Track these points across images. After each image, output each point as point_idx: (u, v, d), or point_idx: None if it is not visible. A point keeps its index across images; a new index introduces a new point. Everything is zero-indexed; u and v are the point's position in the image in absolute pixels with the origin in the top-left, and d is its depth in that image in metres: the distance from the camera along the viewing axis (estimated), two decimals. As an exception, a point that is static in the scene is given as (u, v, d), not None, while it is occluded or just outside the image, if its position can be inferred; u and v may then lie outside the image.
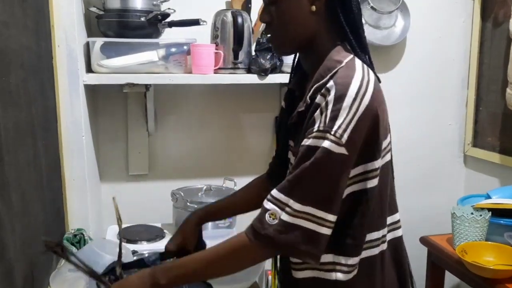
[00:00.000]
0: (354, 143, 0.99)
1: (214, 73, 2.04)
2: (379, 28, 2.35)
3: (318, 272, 1.11)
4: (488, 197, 2.04)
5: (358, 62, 1.07)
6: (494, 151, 2.42)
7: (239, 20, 1.99)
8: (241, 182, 2.13)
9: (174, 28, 1.99)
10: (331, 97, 1.00)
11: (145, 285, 1.06)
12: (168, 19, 1.97)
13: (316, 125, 1.00)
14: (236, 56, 2.04)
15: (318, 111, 1.02)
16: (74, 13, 1.74)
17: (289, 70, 2.00)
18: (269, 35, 1.16)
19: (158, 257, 1.35)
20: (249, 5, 2.21)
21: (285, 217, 0.98)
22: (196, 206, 1.96)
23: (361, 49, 1.11)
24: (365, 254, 1.10)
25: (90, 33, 2.02)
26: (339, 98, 0.99)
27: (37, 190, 1.43)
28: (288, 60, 2.07)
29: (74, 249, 1.70)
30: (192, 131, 2.33)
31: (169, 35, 2.05)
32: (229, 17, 2.02)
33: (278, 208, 0.99)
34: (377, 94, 1.03)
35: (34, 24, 1.45)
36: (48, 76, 1.64)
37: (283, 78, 2.09)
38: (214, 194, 2.07)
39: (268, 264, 2.35)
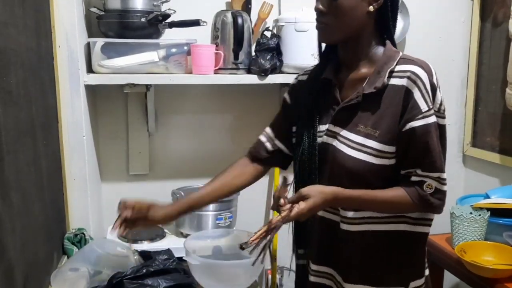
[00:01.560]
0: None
1: (214, 73, 2.04)
2: (379, 29, 2.35)
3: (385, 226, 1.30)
4: (487, 196, 2.04)
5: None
6: (493, 151, 2.42)
7: (239, 20, 1.99)
8: (241, 182, 2.14)
9: (174, 29, 1.99)
10: (426, 80, 1.20)
11: (331, 196, 1.21)
12: (169, 20, 1.97)
13: (424, 106, 1.20)
14: (236, 57, 2.05)
15: (418, 94, 1.19)
16: (75, 14, 1.75)
17: (289, 70, 2.06)
18: (319, 23, 1.27)
19: None
20: (249, 6, 2.21)
21: (440, 186, 1.24)
22: (196, 205, 1.96)
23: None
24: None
25: (90, 34, 2.03)
26: (431, 79, 1.21)
27: (38, 190, 1.43)
28: (288, 60, 2.09)
29: (74, 249, 1.71)
30: (192, 131, 2.34)
31: (170, 35, 2.05)
32: (229, 17, 2.03)
33: (433, 181, 1.23)
34: None
35: (34, 24, 1.46)
36: (48, 76, 1.64)
37: (283, 78, 2.09)
38: (214, 194, 2.07)
39: (268, 264, 2.36)
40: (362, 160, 1.23)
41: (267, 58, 2.05)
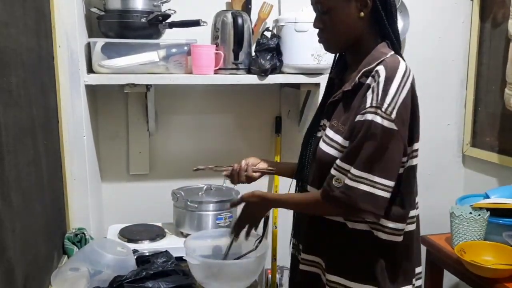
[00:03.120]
0: (402, 119, 1.21)
1: (215, 73, 2.04)
2: (379, 29, 2.35)
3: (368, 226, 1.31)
4: (487, 196, 2.05)
5: (401, 58, 1.28)
6: (493, 151, 2.42)
7: (239, 21, 2.00)
8: (241, 182, 2.15)
9: (174, 29, 1.99)
10: (381, 78, 1.21)
11: (259, 198, 1.42)
12: (169, 20, 1.98)
13: (368, 102, 1.20)
14: (236, 57, 2.05)
15: (370, 90, 1.21)
16: (75, 14, 1.75)
17: (289, 70, 2.08)
18: (319, 38, 1.36)
19: None
20: (249, 6, 2.21)
21: (347, 181, 1.21)
22: (196, 205, 1.97)
23: (399, 47, 1.34)
24: (406, 228, 1.34)
25: (91, 34, 2.03)
26: (388, 79, 1.20)
27: (38, 190, 1.43)
28: (288, 61, 2.09)
29: (75, 249, 1.71)
30: (192, 131, 2.34)
31: (170, 35, 2.06)
32: (229, 18, 2.03)
33: (341, 174, 1.22)
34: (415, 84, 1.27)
35: (35, 24, 1.46)
36: (49, 76, 1.64)
37: (283, 78, 2.10)
38: (214, 193, 2.08)
39: (268, 263, 2.36)
40: (328, 154, 1.28)
41: (267, 58, 2.05)
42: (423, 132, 2.69)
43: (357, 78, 1.27)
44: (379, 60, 1.25)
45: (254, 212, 1.45)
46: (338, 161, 1.24)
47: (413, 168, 1.37)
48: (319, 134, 1.40)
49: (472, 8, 2.51)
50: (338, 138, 1.28)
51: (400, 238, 1.31)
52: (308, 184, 1.40)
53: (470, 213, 1.90)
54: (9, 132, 1.15)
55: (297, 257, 1.46)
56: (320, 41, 1.37)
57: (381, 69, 1.22)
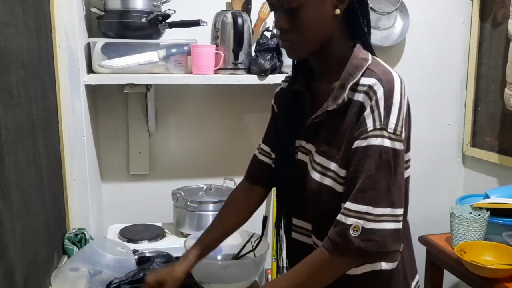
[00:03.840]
0: (405, 135, 1.06)
1: (214, 73, 2.04)
2: (378, 29, 2.35)
3: None
4: (487, 196, 2.04)
5: (379, 59, 1.13)
6: (493, 151, 2.42)
7: (239, 21, 2.00)
8: (241, 182, 2.15)
9: (174, 29, 1.99)
10: (380, 95, 1.04)
11: None
12: (169, 20, 1.98)
13: (370, 125, 1.03)
14: (236, 57, 2.05)
15: (368, 110, 1.04)
16: (75, 14, 1.75)
17: (289, 70, 2.01)
18: (283, 41, 1.14)
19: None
20: (249, 6, 2.21)
21: (368, 225, 1.01)
22: (196, 205, 1.96)
23: (371, 49, 1.16)
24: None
25: (91, 34, 2.03)
26: (388, 95, 1.04)
27: (38, 190, 1.43)
28: (288, 61, 2.08)
29: (75, 249, 1.71)
30: (192, 131, 2.34)
31: (170, 35, 2.06)
32: (229, 18, 2.03)
33: (359, 219, 1.01)
34: None
35: (35, 24, 1.46)
36: (49, 76, 1.64)
37: (283, 78, 2.09)
38: (214, 193, 2.08)
39: (268, 263, 2.36)
40: (325, 186, 1.10)
41: (267, 58, 2.05)
42: (423, 132, 2.71)
43: (345, 95, 1.08)
44: (363, 70, 1.09)
45: None
46: (348, 205, 1.03)
47: (407, 180, 1.16)
48: (299, 157, 1.20)
49: (472, 8, 2.51)
50: (333, 166, 1.10)
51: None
52: (295, 217, 1.24)
53: (470, 213, 1.90)
54: (9, 132, 1.15)
55: (290, 226, 1.29)
56: (283, 45, 1.15)
57: (375, 84, 1.05)
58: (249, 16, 2.14)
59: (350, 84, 1.08)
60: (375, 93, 1.05)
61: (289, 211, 1.29)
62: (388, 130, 1.03)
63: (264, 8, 2.22)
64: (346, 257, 1.04)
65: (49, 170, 1.57)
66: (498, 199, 1.98)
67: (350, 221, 1.02)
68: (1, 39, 1.13)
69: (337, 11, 1.09)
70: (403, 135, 1.04)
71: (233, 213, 1.42)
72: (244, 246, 1.63)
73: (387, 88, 1.05)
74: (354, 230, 1.01)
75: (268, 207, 2.46)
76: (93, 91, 2.05)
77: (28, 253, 1.28)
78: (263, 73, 2.05)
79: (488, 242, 1.88)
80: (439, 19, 2.51)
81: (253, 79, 2.07)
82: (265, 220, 1.64)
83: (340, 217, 1.04)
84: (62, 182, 1.77)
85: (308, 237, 1.23)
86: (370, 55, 1.13)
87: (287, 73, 2.10)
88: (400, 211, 1.03)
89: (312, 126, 1.16)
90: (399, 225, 1.03)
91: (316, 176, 1.13)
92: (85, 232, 1.78)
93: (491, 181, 2.42)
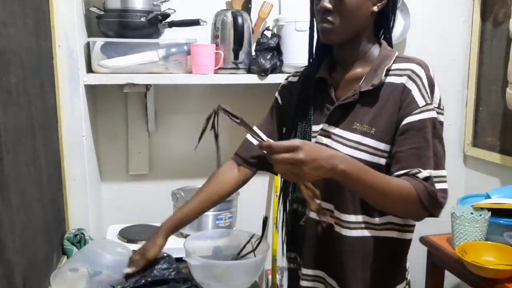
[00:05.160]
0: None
1: (214, 73, 2.04)
2: (379, 28, 2.35)
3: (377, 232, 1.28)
4: (488, 197, 2.04)
5: None
6: (494, 151, 2.42)
7: (239, 20, 1.99)
8: (241, 182, 2.14)
9: (174, 28, 1.99)
10: (424, 77, 1.20)
11: (333, 160, 1.06)
12: (169, 19, 1.97)
13: (421, 102, 1.18)
14: (236, 56, 2.05)
15: (415, 90, 1.18)
16: (75, 13, 1.75)
17: (289, 70, 2.06)
18: (323, 22, 1.24)
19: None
20: (249, 5, 2.21)
21: (439, 185, 1.18)
22: (196, 206, 1.95)
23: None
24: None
25: (90, 33, 2.02)
26: (430, 77, 1.21)
27: (37, 190, 1.43)
28: (288, 60, 2.08)
29: (74, 249, 1.71)
30: (192, 131, 2.32)
31: (170, 35, 2.05)
32: (229, 17, 2.02)
33: (435, 177, 1.17)
34: None
35: (34, 24, 1.46)
36: (48, 76, 1.64)
37: (284, 78, 2.08)
38: (214, 194, 2.07)
39: (268, 264, 2.36)
40: (357, 158, 1.17)
41: (267, 57, 2.04)
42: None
43: (382, 76, 1.21)
44: (393, 58, 1.24)
45: (304, 170, 1.03)
46: (428, 171, 1.16)
47: None
48: (318, 140, 1.28)
49: (473, 8, 2.50)
50: (368, 141, 1.20)
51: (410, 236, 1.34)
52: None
53: (471, 213, 1.90)
54: (8, 132, 1.14)
55: (297, 272, 1.40)
56: (321, 27, 1.24)
57: (418, 68, 1.20)
58: (249, 15, 2.14)
59: (385, 68, 1.22)
60: (419, 76, 1.20)
61: (336, 207, 1.29)
62: (434, 105, 1.19)
63: (264, 8, 2.22)
64: (424, 201, 1.15)
65: (49, 170, 1.56)
66: (499, 200, 1.98)
67: (433, 178, 1.16)
68: (0, 39, 1.12)
69: (375, 8, 1.24)
70: (443, 109, 1.23)
71: (210, 190, 1.47)
72: (244, 247, 1.63)
73: (427, 71, 1.21)
74: (437, 184, 1.16)
75: (268, 208, 2.45)
76: (92, 91, 2.05)
77: (27, 253, 1.28)
78: (263, 72, 2.04)
79: (489, 242, 1.88)
80: (440, 18, 2.50)
81: (253, 78, 2.07)
82: (265, 220, 1.64)
83: (424, 177, 1.15)
84: (62, 182, 1.77)
85: (369, 230, 1.29)
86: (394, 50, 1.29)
87: (287, 72, 2.10)
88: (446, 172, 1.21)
89: (339, 108, 1.26)
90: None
91: (347, 150, 1.21)
92: (84, 233, 1.78)
93: (492, 181, 2.42)
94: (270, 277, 2.41)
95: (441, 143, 1.22)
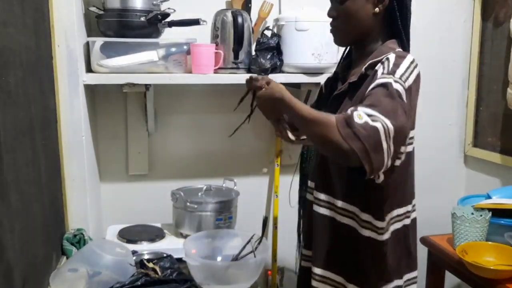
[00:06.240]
0: (410, 95, 1.22)
1: (214, 73, 2.03)
2: (380, 28, 2.35)
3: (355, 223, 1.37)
4: (489, 197, 2.04)
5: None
6: (495, 151, 2.41)
7: (239, 20, 1.99)
8: (241, 182, 2.13)
9: (174, 28, 1.98)
10: (391, 59, 1.24)
11: (283, 92, 1.30)
12: (168, 19, 1.96)
13: (380, 73, 1.23)
14: (236, 56, 2.04)
15: (379, 65, 1.25)
16: (74, 13, 1.74)
17: (289, 70, 2.08)
18: (331, 27, 1.41)
19: None
20: (249, 5, 2.20)
21: (370, 122, 1.13)
22: (196, 206, 1.95)
23: (408, 48, 1.37)
24: (392, 227, 1.37)
25: (90, 33, 2.02)
26: (399, 59, 1.24)
27: (37, 190, 1.42)
28: (288, 60, 2.08)
29: (74, 250, 1.71)
30: (192, 131, 2.33)
31: (169, 35, 2.04)
32: (229, 17, 2.02)
33: (364, 114, 1.14)
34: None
35: (33, 23, 1.45)
36: (47, 76, 1.63)
37: (283, 78, 2.08)
38: (214, 194, 2.07)
39: (268, 264, 2.35)
40: None
41: (267, 57, 2.04)
42: (424, 132, 2.70)
43: (363, 69, 1.31)
44: (388, 53, 1.29)
45: (267, 97, 1.39)
46: (359, 107, 1.17)
47: (411, 155, 1.41)
48: None
49: (473, 8, 2.50)
50: None
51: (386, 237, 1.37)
52: (318, 191, 1.44)
53: (472, 213, 1.89)
54: (7, 132, 1.14)
55: (309, 271, 1.48)
56: (331, 31, 1.41)
57: (391, 55, 1.27)
58: (249, 15, 2.13)
59: (369, 62, 1.29)
60: (388, 59, 1.25)
61: (315, 186, 1.47)
62: (395, 76, 1.20)
63: (264, 7, 2.21)
64: (341, 131, 1.14)
65: (48, 170, 1.56)
66: (500, 200, 1.98)
67: (360, 112, 1.15)
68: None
69: (377, 9, 1.32)
70: (406, 84, 1.20)
71: None
72: (244, 247, 1.63)
73: (398, 55, 1.26)
74: (358, 117, 1.13)
75: (268, 208, 2.45)
76: (92, 91, 2.04)
77: (26, 253, 1.28)
78: (263, 72, 2.04)
79: (489, 243, 1.87)
80: (440, 18, 2.50)
81: (253, 78, 2.06)
82: (265, 221, 1.65)
83: (349, 110, 1.17)
84: (61, 182, 1.77)
85: (331, 210, 1.42)
86: (399, 49, 1.33)
87: (287, 72, 2.10)
88: (390, 124, 1.14)
89: (335, 98, 1.40)
90: (389, 143, 1.14)
91: None
92: (84, 233, 1.77)
93: (493, 182, 2.41)
94: (270, 277, 2.40)
95: (393, 100, 1.18)
